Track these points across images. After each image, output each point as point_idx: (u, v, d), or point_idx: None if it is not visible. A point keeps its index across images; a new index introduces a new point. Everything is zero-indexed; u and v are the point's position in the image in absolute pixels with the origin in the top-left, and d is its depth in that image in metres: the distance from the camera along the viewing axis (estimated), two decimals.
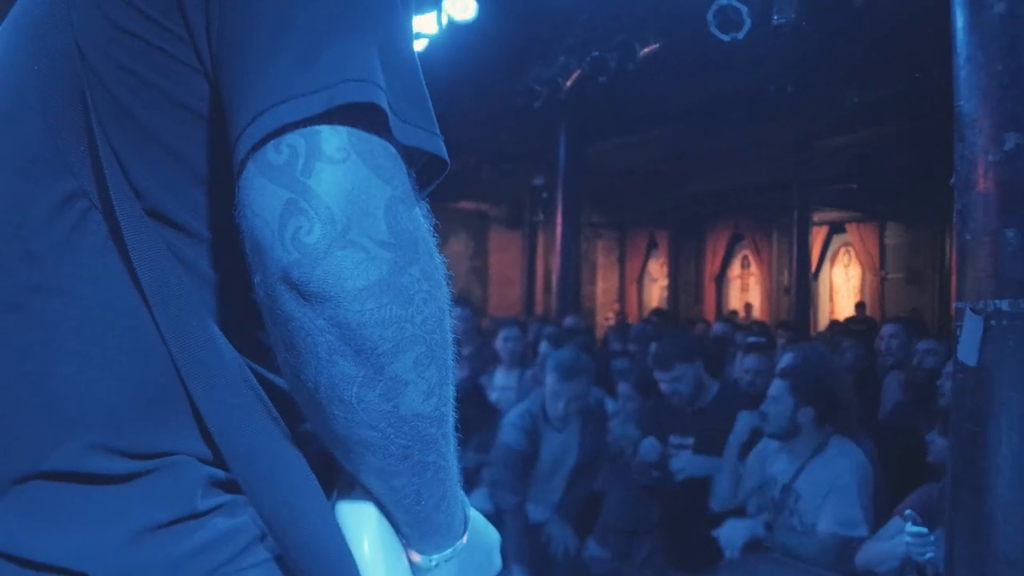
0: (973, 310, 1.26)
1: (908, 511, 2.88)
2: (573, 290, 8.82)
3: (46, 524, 0.82)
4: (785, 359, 4.17)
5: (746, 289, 17.22)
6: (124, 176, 0.84)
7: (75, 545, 0.81)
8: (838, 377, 3.86)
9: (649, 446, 4.47)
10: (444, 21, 6.69)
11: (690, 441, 4.44)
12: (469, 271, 16.33)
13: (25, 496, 0.82)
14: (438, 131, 0.84)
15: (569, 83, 7.48)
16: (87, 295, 0.84)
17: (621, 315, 16.05)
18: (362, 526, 0.90)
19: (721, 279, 17.42)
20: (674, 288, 17.29)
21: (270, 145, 0.74)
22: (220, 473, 0.86)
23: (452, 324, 0.85)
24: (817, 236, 15.22)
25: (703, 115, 9.34)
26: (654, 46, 6.76)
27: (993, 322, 1.23)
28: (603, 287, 18.28)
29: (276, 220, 0.74)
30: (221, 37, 0.80)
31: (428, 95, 0.84)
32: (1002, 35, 1.23)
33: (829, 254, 16.30)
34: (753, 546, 3.39)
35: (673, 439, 4.53)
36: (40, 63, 0.89)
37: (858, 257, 15.89)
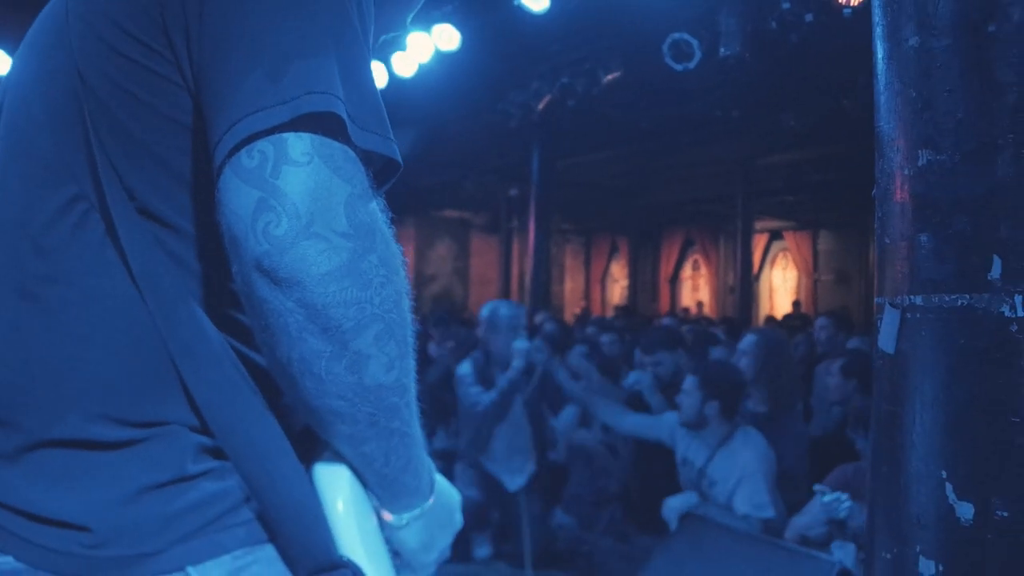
0: (892, 304, 1.27)
1: (816, 485, 2.96)
2: (544, 289, 8.82)
3: (54, 484, 0.83)
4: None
5: (696, 289, 17.29)
6: (119, 181, 0.85)
7: (79, 502, 0.83)
8: (741, 375, 3.96)
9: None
10: (432, 50, 6.66)
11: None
12: (452, 272, 16.31)
13: (35, 461, 0.84)
14: (392, 137, 0.85)
15: (541, 106, 7.48)
16: (89, 285, 0.86)
17: (586, 310, 16.11)
18: (336, 489, 0.90)
19: (675, 280, 17.48)
20: (633, 287, 17.35)
21: (243, 151, 0.76)
22: (208, 441, 0.86)
23: (409, 305, 0.85)
24: (758, 242, 15.29)
25: (660, 135, 9.37)
26: (616, 74, 6.76)
27: (908, 315, 1.24)
28: (570, 286, 18.31)
29: (249, 216, 0.75)
30: (200, 57, 0.81)
31: (383, 105, 0.85)
32: (915, 65, 1.24)
33: (769, 258, 16.40)
34: (691, 516, 3.41)
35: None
36: (45, 82, 0.91)
37: (794, 261, 15.99)
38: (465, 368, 4.59)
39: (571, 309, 16.79)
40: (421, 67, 6.81)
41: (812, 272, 15.65)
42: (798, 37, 5.58)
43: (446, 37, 6.44)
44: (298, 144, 0.76)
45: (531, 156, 8.80)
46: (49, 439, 0.84)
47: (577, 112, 7.38)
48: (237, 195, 0.76)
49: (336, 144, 0.78)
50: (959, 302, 1.19)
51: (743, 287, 11.57)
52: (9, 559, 0.83)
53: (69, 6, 0.90)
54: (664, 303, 17.16)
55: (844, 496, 2.84)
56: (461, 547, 4.66)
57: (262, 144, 0.76)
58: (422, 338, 6.94)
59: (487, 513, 4.55)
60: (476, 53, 6.57)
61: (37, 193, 0.88)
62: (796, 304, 14.99)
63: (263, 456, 0.85)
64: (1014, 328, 1.14)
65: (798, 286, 15.91)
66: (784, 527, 3.32)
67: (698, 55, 5.87)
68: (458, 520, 1.06)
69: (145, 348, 0.84)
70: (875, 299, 1.36)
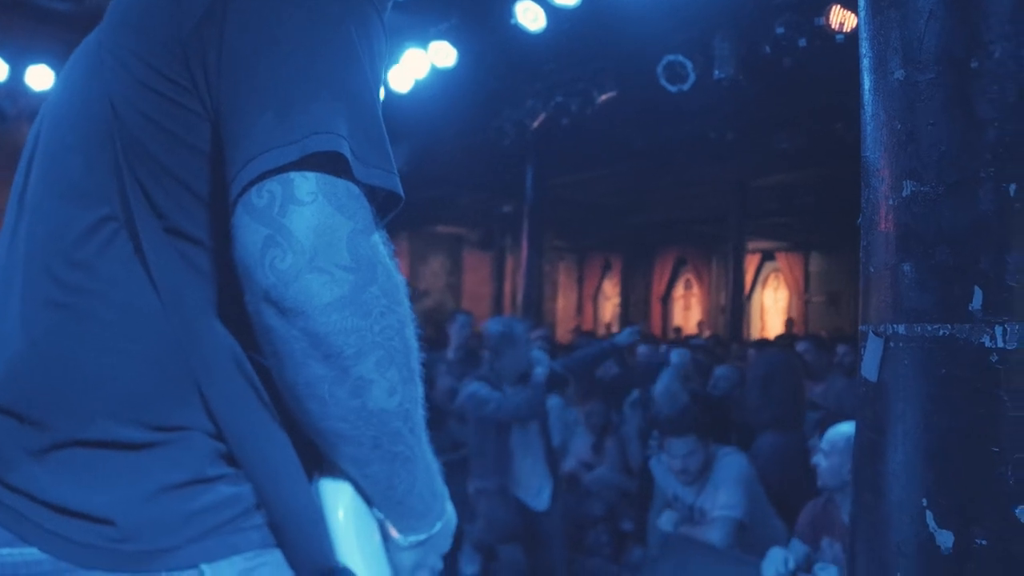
0: (875, 333, 1.28)
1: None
2: (536, 307, 8.83)
3: (80, 480, 0.88)
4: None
5: (688, 308, 17.32)
6: (147, 202, 0.92)
7: (104, 498, 0.88)
8: (716, 400, 3.97)
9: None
10: (428, 67, 6.69)
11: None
12: (445, 287, 16.29)
13: (62, 459, 0.89)
14: (395, 171, 0.91)
15: (535, 124, 7.51)
16: (118, 298, 0.91)
17: (578, 328, 16.09)
18: (338, 499, 0.94)
19: (667, 299, 17.51)
20: (625, 305, 17.36)
21: (254, 190, 0.82)
22: (225, 448, 0.91)
23: (414, 334, 0.91)
24: (750, 263, 15.35)
25: (653, 156, 9.41)
26: (611, 94, 6.79)
27: (891, 344, 1.25)
28: (563, 303, 18.30)
29: (258, 251, 0.82)
30: (219, 93, 0.88)
31: (387, 141, 0.91)
32: (900, 98, 1.26)
33: (761, 278, 16.45)
34: (675, 537, 3.43)
35: None
36: (79, 111, 0.98)
37: (786, 282, 16.06)
38: (475, 387, 4.52)
39: (564, 326, 16.77)
40: (417, 83, 6.85)
41: (803, 293, 15.70)
42: (792, 61, 5.63)
43: (443, 54, 6.48)
44: (303, 184, 0.82)
45: (525, 174, 8.84)
46: (78, 439, 0.89)
47: (571, 131, 7.40)
48: (248, 231, 0.82)
49: (340, 182, 0.84)
50: (941, 332, 1.20)
51: (734, 307, 11.59)
52: (33, 550, 0.88)
53: (102, 40, 0.97)
54: (656, 322, 17.18)
55: (782, 569, 2.86)
56: (449, 565, 4.66)
57: (271, 184, 0.82)
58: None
59: (514, 529, 4.48)
60: (472, 70, 6.61)
61: (70, 212, 0.94)
62: (789, 323, 15.01)
63: (269, 464, 0.90)
64: (994, 359, 1.16)
65: (789, 306, 15.96)
66: (763, 535, 3.33)
67: (692, 77, 5.92)
68: (449, 543, 1.10)
69: (167, 358, 0.90)
70: (860, 327, 1.38)
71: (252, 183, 0.82)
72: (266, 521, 0.92)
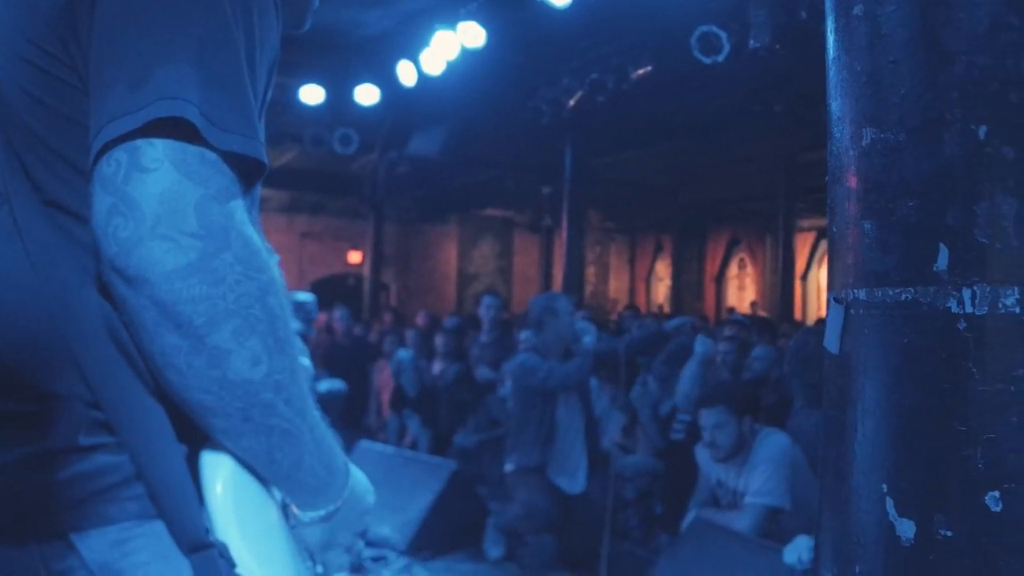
0: (835, 299, 1.15)
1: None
2: (578, 288, 8.69)
3: None
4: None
5: (743, 288, 16.94)
6: (26, 176, 0.93)
7: None
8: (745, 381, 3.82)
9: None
10: (459, 48, 6.61)
11: None
12: (495, 271, 16.25)
13: None
14: (259, 137, 0.89)
15: (572, 102, 7.36)
16: None
17: (632, 306, 15.88)
18: (217, 472, 0.92)
19: (720, 279, 17.15)
20: (678, 286, 17.03)
21: (103, 159, 0.82)
22: (104, 417, 0.90)
23: (281, 303, 0.88)
24: (805, 241, 14.90)
25: (696, 132, 9.17)
26: (646, 69, 6.61)
27: (852, 311, 1.12)
28: (615, 285, 18.11)
29: (104, 220, 0.82)
30: (87, 68, 0.89)
31: (252, 107, 0.89)
32: (861, 35, 1.12)
33: (817, 257, 15.99)
34: (699, 521, 3.29)
35: None
36: None
37: None
38: (523, 356, 4.55)
39: (618, 309, 16.59)
40: (449, 64, 6.77)
41: None
42: None
43: (472, 34, 6.38)
44: (149, 151, 0.81)
45: (564, 154, 8.68)
46: None
47: (608, 108, 7.24)
48: (97, 201, 0.82)
49: (192, 148, 0.83)
50: (903, 296, 1.06)
51: (784, 287, 11.29)
52: None
53: None
54: (709, 302, 16.86)
55: (805, 557, 2.72)
56: (474, 547, 4.60)
57: (118, 153, 0.82)
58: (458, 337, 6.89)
59: (551, 518, 4.43)
60: (503, 50, 6.50)
61: None
62: None
63: (142, 435, 0.89)
64: (961, 326, 1.02)
65: None
66: (803, 525, 3.17)
67: (727, 48, 5.71)
68: (365, 522, 1.08)
69: (41, 329, 0.89)
70: (825, 294, 1.24)
71: (102, 152, 0.82)
72: (146, 492, 0.90)
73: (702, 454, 3.70)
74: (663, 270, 17.94)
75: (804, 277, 15.21)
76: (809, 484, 3.32)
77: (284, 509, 0.99)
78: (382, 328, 8.43)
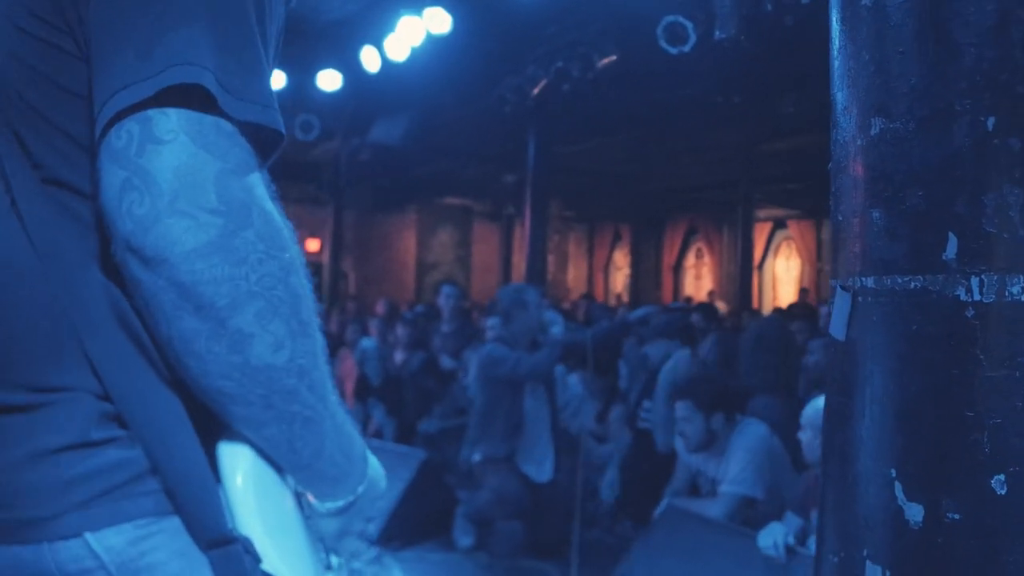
0: (843, 287, 1.17)
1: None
2: (540, 277, 8.71)
3: None
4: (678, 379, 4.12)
5: (700, 277, 17.13)
6: (23, 152, 0.87)
7: None
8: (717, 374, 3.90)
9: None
10: (424, 34, 6.55)
11: None
12: (455, 259, 16.21)
13: None
14: (275, 106, 0.84)
15: (536, 91, 7.36)
16: None
17: (588, 295, 15.98)
18: (237, 464, 0.88)
19: (678, 268, 17.33)
20: (636, 276, 17.20)
21: (113, 131, 0.77)
22: (115, 409, 0.86)
23: (303, 283, 0.85)
24: (762, 231, 15.13)
25: (659, 122, 9.22)
26: (612, 58, 6.63)
27: (860, 298, 1.14)
28: (574, 274, 18.21)
29: (116, 196, 0.77)
30: (89, 35, 0.83)
31: (268, 75, 0.85)
32: (869, 25, 1.13)
33: (773, 247, 16.22)
34: (671, 509, 3.33)
35: None
36: None
37: (798, 250, 15.82)
38: (491, 347, 4.55)
39: (571, 298, 16.69)
40: (413, 51, 6.71)
41: (816, 261, 15.48)
42: (794, 20, 5.44)
43: (438, 20, 6.33)
44: (163, 121, 0.77)
45: (527, 142, 8.68)
46: None
47: (573, 97, 7.25)
48: (107, 175, 0.77)
49: (208, 118, 0.78)
50: (912, 284, 1.08)
51: (743, 276, 11.44)
52: None
53: None
54: (667, 292, 17.03)
55: (780, 542, 2.79)
56: (444, 536, 4.60)
57: (129, 124, 0.77)
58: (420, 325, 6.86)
59: (522, 504, 4.44)
60: (468, 37, 6.46)
61: None
62: (803, 292, 14.77)
63: (157, 426, 0.85)
64: (969, 313, 1.04)
65: (802, 275, 15.74)
66: (778, 512, 3.22)
67: (693, 38, 5.75)
68: (378, 507, 1.07)
69: (46, 316, 0.85)
70: (830, 282, 1.26)
71: (111, 123, 0.77)
72: (161, 487, 0.86)
73: (679, 443, 3.75)
74: (621, 259, 18.08)
75: (760, 267, 15.44)
76: (785, 472, 3.38)
77: (298, 498, 0.96)
78: (343, 318, 8.36)
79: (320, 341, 0.87)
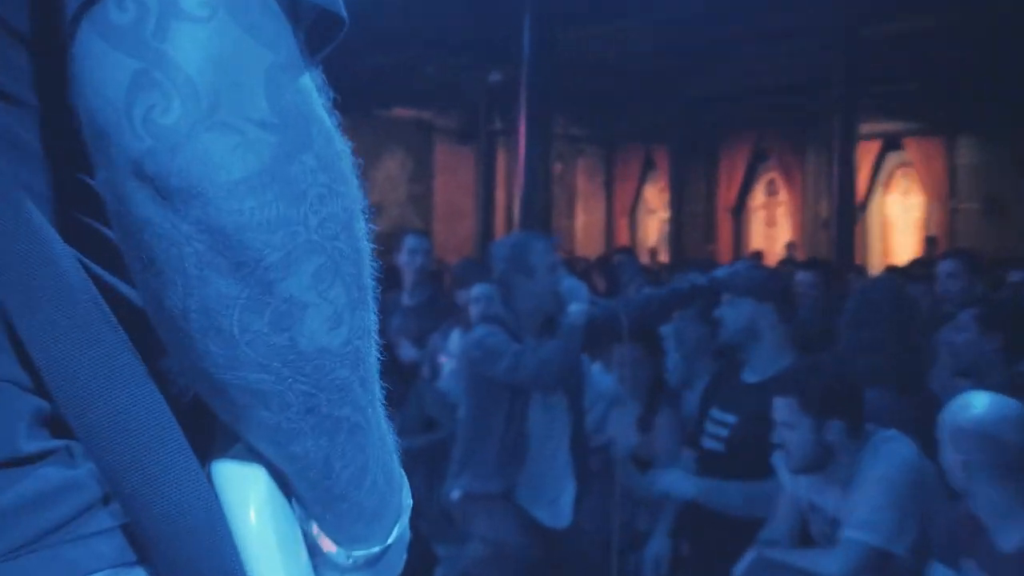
0: None
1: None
2: (542, 223, 8.79)
3: None
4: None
5: (773, 223, 17.29)
6: None
7: None
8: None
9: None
10: None
11: None
12: (407, 199, 16.24)
13: None
14: None
15: None
16: None
17: (623, 250, 16.08)
18: (248, 493, 0.89)
19: (739, 210, 17.48)
20: (677, 222, 17.26)
21: (108, 2, 0.74)
22: (52, 409, 0.85)
23: (365, 230, 0.84)
24: (867, 154, 15.23)
25: None
26: None
27: None
28: (584, 220, 18.29)
29: (123, 98, 0.74)
30: None
31: None
32: None
33: (882, 177, 16.38)
34: (760, 559, 3.42)
35: None
36: None
37: (921, 181, 15.99)
38: (483, 331, 4.49)
39: (587, 254, 16.80)
40: None
41: (948, 199, 15.66)
42: None
43: None
44: None
45: (521, 25, 8.72)
46: None
47: None
48: (103, 66, 0.75)
49: None
50: None
51: (841, 221, 11.56)
52: None
53: None
54: (724, 244, 17.16)
55: None
56: None
57: None
58: None
59: (529, 559, 4.49)
60: None
61: None
62: (930, 242, 14.89)
63: (133, 442, 0.84)
64: None
65: (926, 219, 15.92)
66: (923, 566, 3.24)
67: None
68: (402, 562, 1.07)
69: None
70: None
71: None
72: (120, 524, 0.86)
73: (778, 460, 3.74)
74: (655, 198, 18.19)
75: (864, 206, 15.57)
76: (940, 511, 3.33)
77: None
78: None
79: (375, 314, 0.87)
